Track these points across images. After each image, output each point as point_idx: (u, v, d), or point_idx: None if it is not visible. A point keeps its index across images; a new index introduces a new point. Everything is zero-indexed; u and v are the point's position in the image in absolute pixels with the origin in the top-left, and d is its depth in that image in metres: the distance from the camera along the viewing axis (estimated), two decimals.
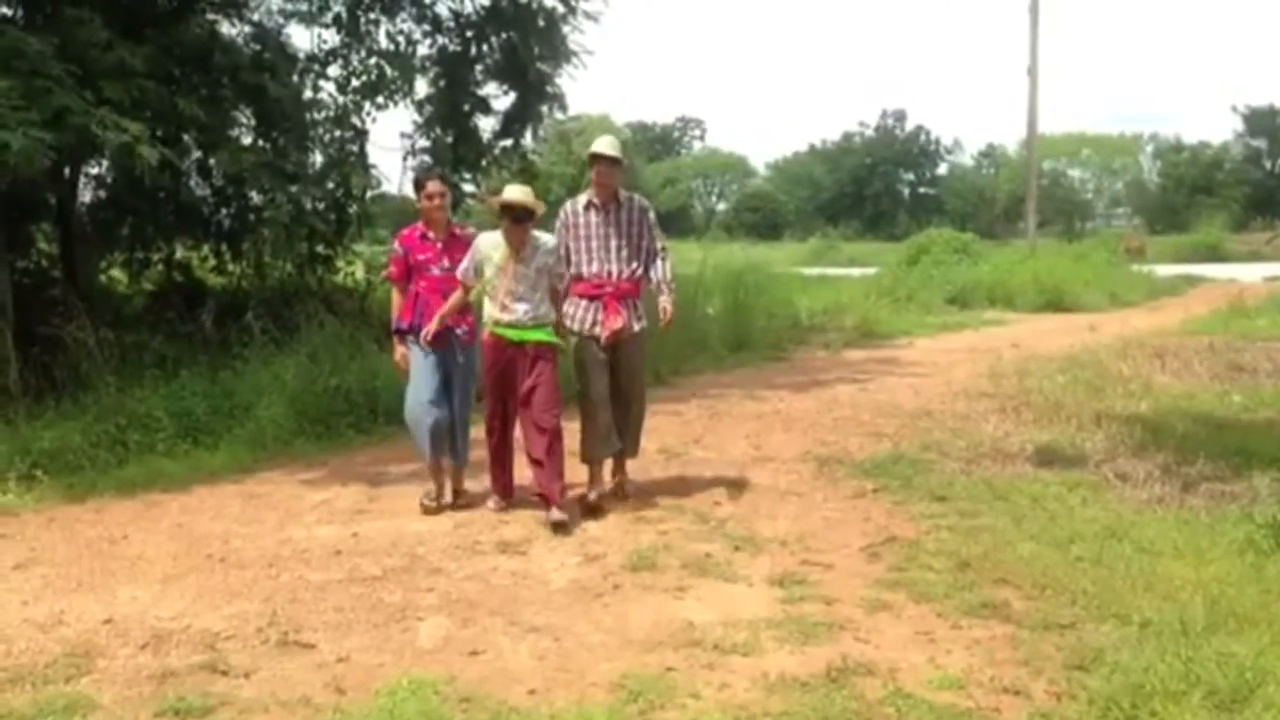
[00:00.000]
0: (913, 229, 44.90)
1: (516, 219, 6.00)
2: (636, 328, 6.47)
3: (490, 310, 6.10)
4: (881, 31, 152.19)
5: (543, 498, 6.10)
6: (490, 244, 6.11)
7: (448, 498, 6.48)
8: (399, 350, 6.46)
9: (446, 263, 6.33)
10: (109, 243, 13.01)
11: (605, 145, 6.45)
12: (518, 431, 6.31)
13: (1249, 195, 65.60)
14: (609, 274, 6.38)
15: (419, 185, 6.53)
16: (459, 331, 6.33)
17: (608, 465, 6.67)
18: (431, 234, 6.41)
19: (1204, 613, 4.24)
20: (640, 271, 6.49)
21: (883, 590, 4.88)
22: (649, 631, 4.42)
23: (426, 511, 6.35)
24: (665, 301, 6.47)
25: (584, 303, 6.39)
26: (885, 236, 60.05)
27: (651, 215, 6.60)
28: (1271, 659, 3.79)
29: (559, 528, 5.88)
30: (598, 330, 6.34)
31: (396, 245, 6.56)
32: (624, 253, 6.39)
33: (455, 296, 6.21)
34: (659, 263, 6.55)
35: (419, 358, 6.31)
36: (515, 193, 6.13)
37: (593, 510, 6.26)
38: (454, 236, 6.41)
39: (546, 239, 6.20)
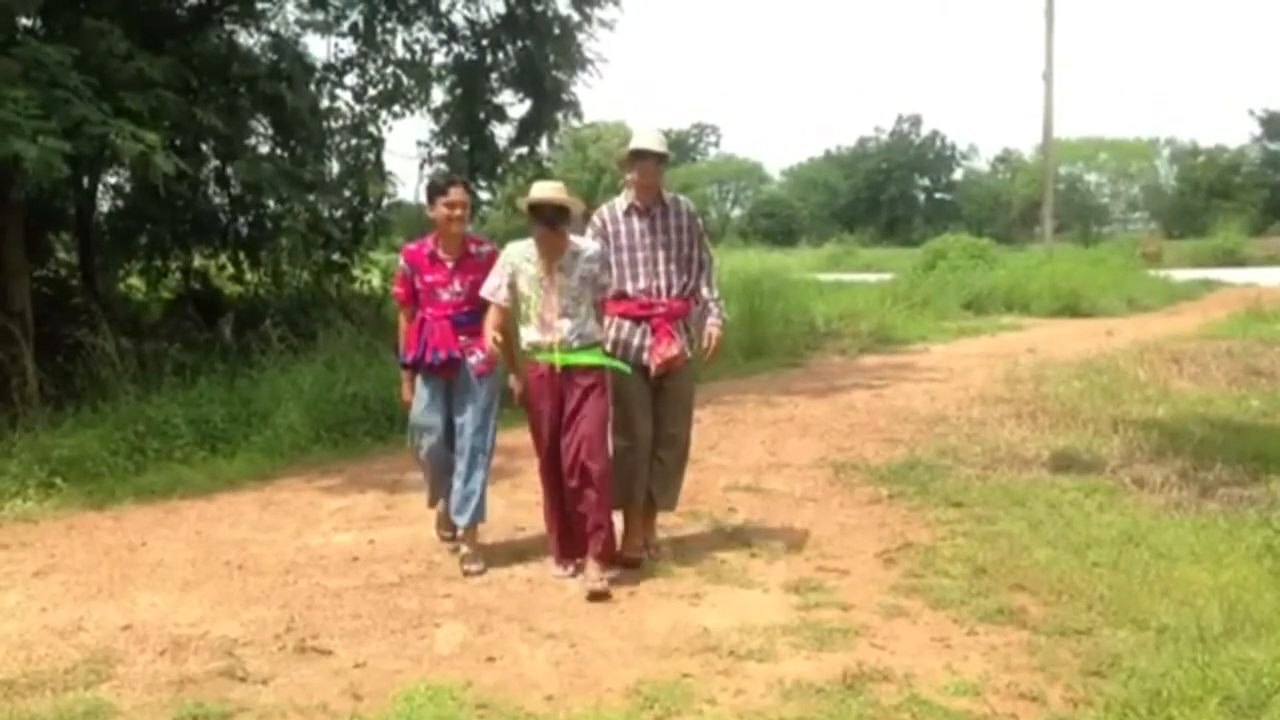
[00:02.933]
0: (929, 234, 44.77)
1: (548, 221, 5.01)
2: (689, 354, 5.50)
3: (528, 333, 5.18)
4: (896, 37, 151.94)
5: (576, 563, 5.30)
6: (521, 254, 5.17)
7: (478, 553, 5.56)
8: (406, 386, 5.69)
9: (458, 286, 5.44)
10: (127, 251, 13.16)
11: (648, 139, 5.44)
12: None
13: (1267, 199, 65.13)
14: (658, 290, 5.37)
15: (437, 191, 5.47)
16: (471, 360, 5.42)
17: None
18: (442, 251, 5.47)
19: (1221, 618, 4.22)
20: (691, 286, 5.49)
21: (899, 596, 4.88)
22: (665, 638, 4.42)
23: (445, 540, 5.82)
24: (713, 324, 5.52)
25: (628, 325, 5.37)
26: (901, 242, 59.93)
27: (700, 219, 5.66)
28: None
29: (597, 597, 4.94)
30: (645, 359, 5.34)
31: (402, 261, 5.68)
32: (673, 265, 5.40)
33: (492, 316, 5.21)
34: (709, 276, 5.63)
35: (423, 396, 5.52)
36: (545, 190, 5.10)
37: (630, 565, 5.38)
38: (469, 256, 5.46)
39: (587, 244, 5.22)
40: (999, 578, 5.01)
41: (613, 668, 4.14)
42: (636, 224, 5.41)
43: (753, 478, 7.30)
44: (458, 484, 5.46)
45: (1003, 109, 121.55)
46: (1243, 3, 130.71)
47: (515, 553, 5.68)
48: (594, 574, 5.03)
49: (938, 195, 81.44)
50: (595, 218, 5.46)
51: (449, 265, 5.46)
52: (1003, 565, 5.16)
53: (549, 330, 5.09)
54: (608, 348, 5.29)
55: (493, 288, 5.22)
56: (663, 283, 5.39)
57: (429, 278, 5.48)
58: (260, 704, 3.88)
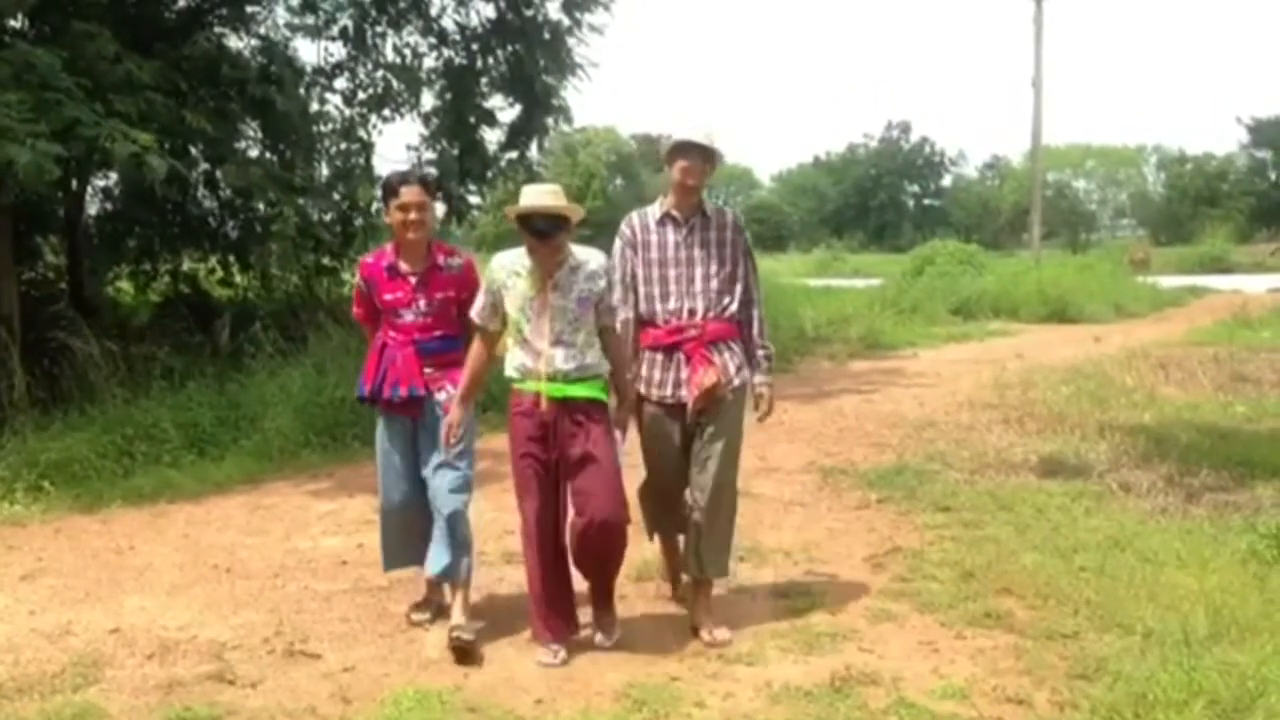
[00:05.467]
0: (918, 240, 44.99)
1: (540, 232, 4.14)
2: (737, 382, 4.52)
3: (516, 359, 4.30)
4: (886, 44, 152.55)
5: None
6: (508, 267, 4.29)
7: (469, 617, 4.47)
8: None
9: (424, 305, 4.50)
10: (116, 255, 13.13)
11: (695, 131, 4.46)
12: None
13: (1254, 207, 65.44)
14: (690, 312, 4.49)
15: (388, 192, 4.50)
16: (440, 397, 4.51)
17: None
18: (404, 264, 4.52)
19: (1207, 622, 4.24)
20: (734, 308, 4.57)
21: (887, 600, 4.90)
22: (654, 641, 4.43)
23: (415, 625, 4.72)
24: (763, 384, 4.61)
25: (659, 357, 4.50)
26: (890, 248, 60.17)
27: (747, 235, 4.72)
28: (1274, 668, 3.79)
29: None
30: (682, 394, 4.44)
31: (358, 277, 4.77)
32: (712, 283, 4.50)
33: (475, 350, 4.41)
34: (754, 311, 4.65)
35: (382, 438, 4.64)
36: (538, 195, 4.22)
37: (681, 601, 4.73)
38: (437, 269, 4.53)
39: (590, 257, 4.30)
40: (986, 582, 5.03)
41: (601, 671, 4.15)
42: (670, 235, 4.54)
43: (741, 482, 7.22)
44: (435, 549, 4.53)
45: (992, 116, 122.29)
46: (1231, 12, 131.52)
47: (503, 556, 5.68)
48: (601, 635, 4.42)
49: (927, 201, 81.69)
50: (624, 226, 4.64)
51: (412, 280, 4.50)
52: (990, 569, 5.18)
53: (539, 359, 4.22)
54: (640, 388, 4.52)
55: (477, 307, 4.39)
56: (698, 303, 4.49)
57: (388, 295, 4.54)
58: (249, 707, 3.88)
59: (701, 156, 4.46)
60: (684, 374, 4.45)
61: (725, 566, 4.66)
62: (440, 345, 4.53)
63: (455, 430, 4.39)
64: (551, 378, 4.19)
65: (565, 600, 4.39)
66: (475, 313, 4.37)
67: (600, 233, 9.89)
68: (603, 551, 4.31)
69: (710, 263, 4.52)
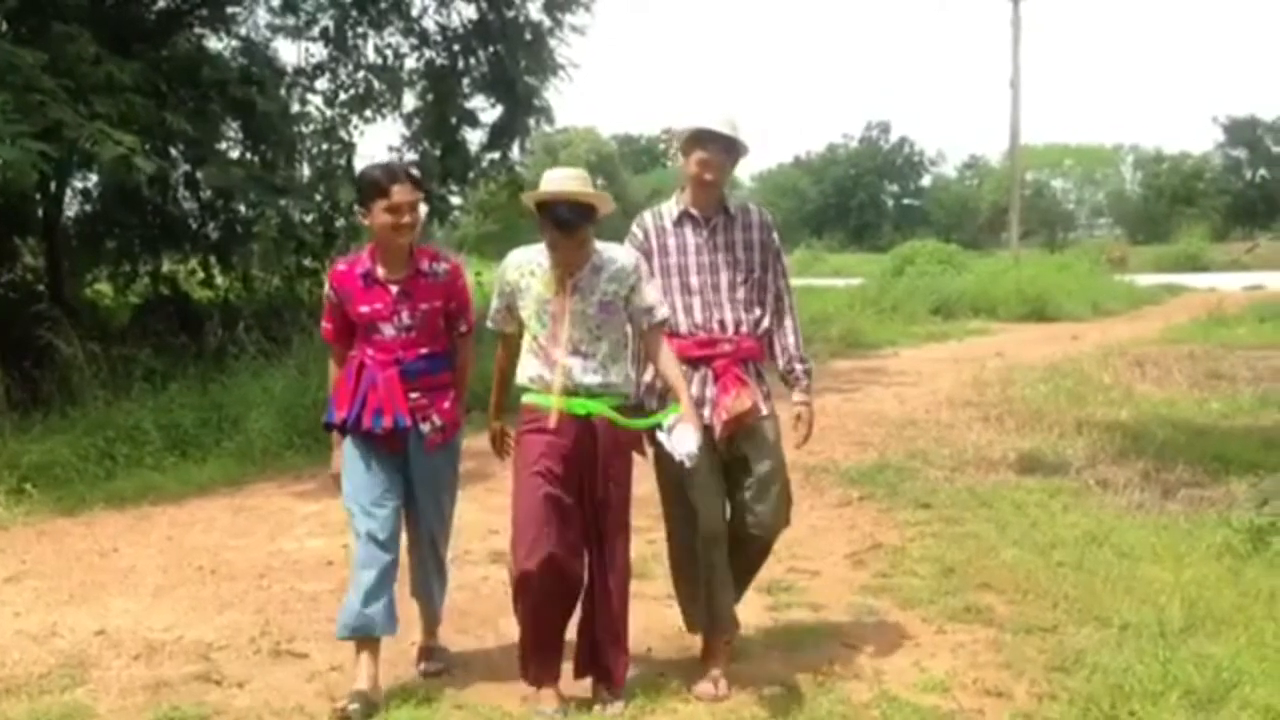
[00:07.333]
0: (897, 240, 45.17)
1: (564, 223, 3.56)
2: (765, 410, 4.00)
3: (530, 368, 3.75)
4: (865, 44, 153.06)
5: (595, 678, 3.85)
6: (524, 266, 3.77)
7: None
8: (335, 454, 4.06)
9: (407, 318, 3.87)
10: (95, 256, 13.09)
11: (714, 118, 3.91)
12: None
13: (1229, 205, 66.06)
14: (721, 325, 3.94)
15: (376, 191, 3.82)
16: (425, 428, 3.92)
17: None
18: (383, 270, 3.90)
19: (1182, 615, 4.32)
20: (765, 322, 4.05)
21: (869, 596, 4.95)
22: (639, 637, 4.43)
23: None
24: (802, 404, 4.11)
25: (682, 371, 3.85)
26: (870, 247, 60.31)
27: (777, 236, 4.17)
28: (1247, 660, 3.88)
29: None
30: (705, 415, 3.84)
31: (328, 288, 4.03)
32: (739, 292, 3.97)
33: (497, 356, 3.97)
34: (788, 320, 4.12)
35: (358, 468, 3.92)
36: (562, 179, 3.66)
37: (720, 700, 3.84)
38: (420, 275, 3.91)
39: (618, 255, 3.76)
40: (966, 577, 5.09)
41: None
42: (691, 236, 3.98)
43: None
44: (422, 596, 4.19)
45: (970, 116, 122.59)
46: (1207, 12, 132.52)
47: (490, 556, 5.70)
48: (613, 702, 3.77)
49: (906, 201, 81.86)
50: (635, 228, 4.05)
51: (393, 290, 3.89)
52: (970, 565, 5.24)
53: (555, 370, 3.66)
54: (653, 404, 3.89)
55: (493, 313, 3.90)
56: (728, 315, 3.95)
57: (365, 307, 3.89)
58: (236, 707, 3.89)
59: (722, 148, 3.92)
60: (710, 392, 3.88)
61: (737, 596, 4.12)
62: (427, 366, 3.93)
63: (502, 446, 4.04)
64: (571, 392, 3.64)
65: (559, 649, 3.75)
66: (490, 318, 3.90)
67: None
68: (614, 595, 3.78)
69: (737, 268, 3.98)
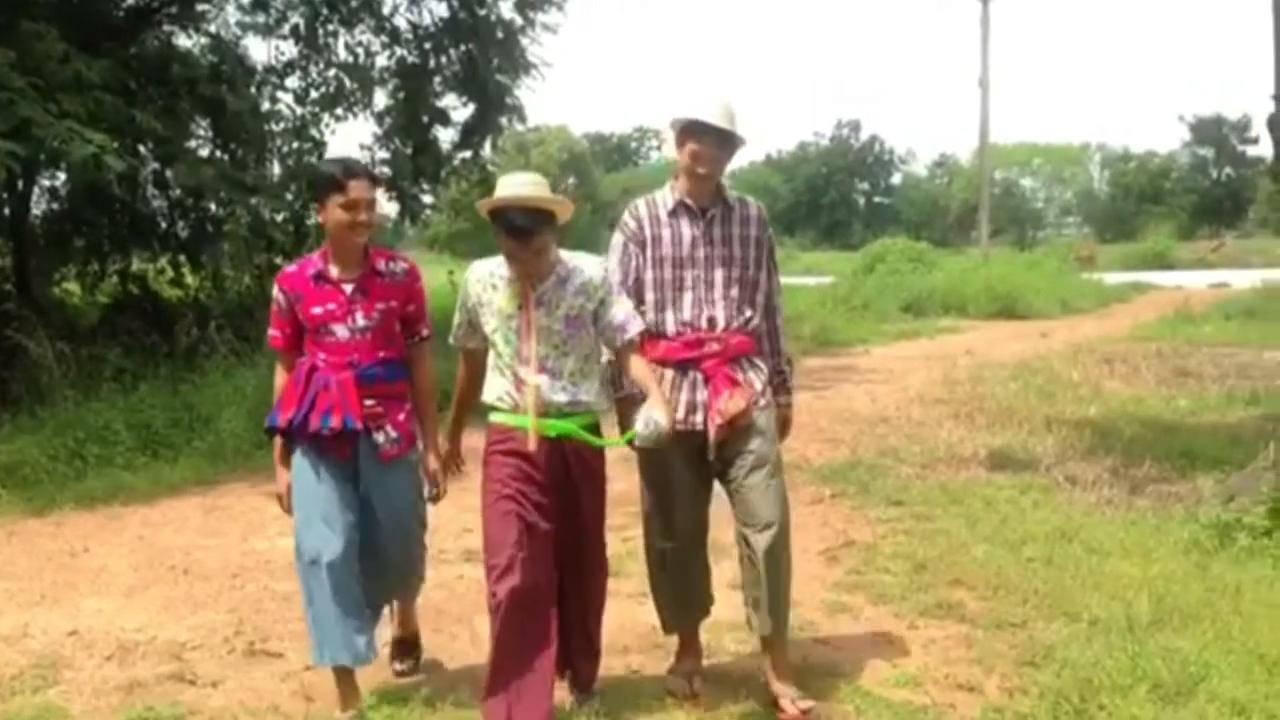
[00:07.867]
0: (868, 238, 45.41)
1: (518, 230, 3.40)
2: (763, 402, 3.84)
3: (496, 386, 3.60)
4: (836, 43, 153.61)
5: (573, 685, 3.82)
6: (485, 279, 3.61)
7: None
8: (280, 470, 3.80)
9: (362, 319, 3.68)
10: (63, 255, 12.95)
11: (708, 109, 3.71)
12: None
13: (1196, 204, 66.86)
14: (710, 322, 3.76)
15: (332, 186, 3.63)
16: (379, 438, 3.69)
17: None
18: (336, 269, 3.71)
19: (1150, 610, 4.38)
20: (755, 320, 3.87)
21: (841, 593, 4.99)
22: (614, 635, 4.46)
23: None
24: (786, 403, 4.00)
25: (670, 375, 3.74)
26: (841, 245, 60.65)
27: (771, 232, 3.99)
28: (1215, 653, 3.93)
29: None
30: (698, 420, 3.72)
31: (277, 291, 3.79)
32: (734, 289, 3.79)
33: (460, 373, 3.81)
34: (777, 320, 3.98)
35: (308, 481, 3.68)
36: (516, 185, 3.48)
37: (693, 698, 3.86)
38: (376, 275, 3.73)
39: (584, 265, 3.58)
40: (938, 574, 5.14)
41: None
42: (686, 229, 3.79)
43: None
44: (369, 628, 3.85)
45: (940, 115, 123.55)
46: (1174, 12, 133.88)
47: (464, 554, 5.70)
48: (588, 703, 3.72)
49: (877, 199, 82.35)
50: (628, 217, 3.87)
51: (346, 289, 3.69)
52: (941, 561, 5.29)
53: (521, 388, 3.51)
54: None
55: (455, 328, 3.75)
56: (719, 312, 3.77)
57: (317, 309, 3.68)
58: (211, 707, 3.89)
59: (717, 141, 3.73)
60: (701, 395, 3.72)
61: (783, 624, 3.81)
62: (384, 372, 3.72)
63: (439, 478, 3.88)
64: (543, 412, 3.49)
65: (547, 695, 3.49)
66: (453, 334, 3.75)
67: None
68: (590, 616, 3.79)
69: (732, 264, 3.79)
